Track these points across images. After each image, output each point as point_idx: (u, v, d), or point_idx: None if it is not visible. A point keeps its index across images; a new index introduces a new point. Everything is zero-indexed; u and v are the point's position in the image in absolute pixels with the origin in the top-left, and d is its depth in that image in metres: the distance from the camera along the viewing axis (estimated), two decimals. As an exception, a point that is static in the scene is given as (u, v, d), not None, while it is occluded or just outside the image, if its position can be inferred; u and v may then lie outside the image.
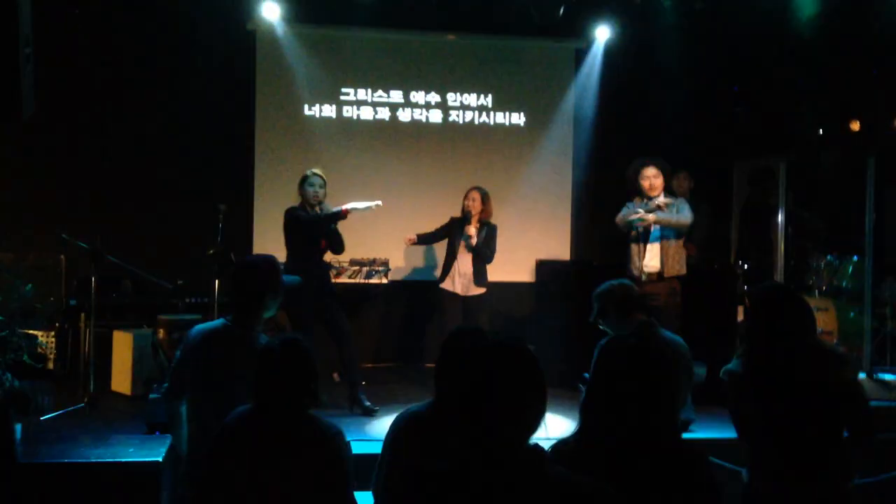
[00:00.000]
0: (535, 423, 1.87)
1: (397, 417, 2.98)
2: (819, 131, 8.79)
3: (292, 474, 2.67)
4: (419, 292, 8.16)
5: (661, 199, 6.35)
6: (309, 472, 2.68)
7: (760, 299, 3.24)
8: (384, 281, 7.62)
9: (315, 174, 6.33)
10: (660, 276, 6.34)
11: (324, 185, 6.33)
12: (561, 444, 2.31)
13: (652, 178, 6.39)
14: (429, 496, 1.83)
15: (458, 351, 2.86)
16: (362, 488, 2.90)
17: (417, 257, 8.46)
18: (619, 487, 1.98)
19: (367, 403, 6.19)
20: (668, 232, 6.35)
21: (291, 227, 6.24)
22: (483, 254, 6.92)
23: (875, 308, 7.44)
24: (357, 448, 3.45)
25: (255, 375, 2.78)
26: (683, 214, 6.32)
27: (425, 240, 7.18)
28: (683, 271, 6.40)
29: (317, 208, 6.30)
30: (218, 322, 3.52)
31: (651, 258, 6.37)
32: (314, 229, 6.23)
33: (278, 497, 2.67)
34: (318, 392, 2.83)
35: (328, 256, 6.62)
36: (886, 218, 7.73)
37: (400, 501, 1.89)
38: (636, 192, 6.49)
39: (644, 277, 6.35)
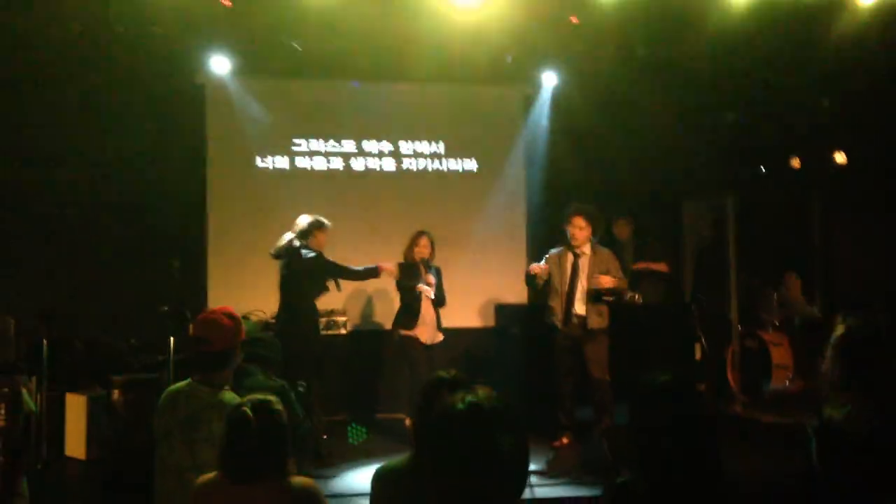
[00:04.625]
0: (513, 486, 1.81)
1: (375, 474, 2.93)
2: (761, 169, 9.03)
3: None
4: (376, 341, 8.11)
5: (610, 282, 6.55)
6: None
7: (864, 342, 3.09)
8: (343, 332, 7.53)
9: (328, 224, 6.69)
10: (584, 325, 6.52)
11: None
12: (630, 485, 2.39)
13: (578, 229, 6.57)
14: None
15: (438, 405, 2.81)
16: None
17: (373, 306, 8.42)
18: None
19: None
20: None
21: (321, 272, 6.49)
22: (441, 299, 6.93)
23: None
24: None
25: (225, 441, 2.67)
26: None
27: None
28: (605, 324, 6.58)
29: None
30: (184, 382, 3.42)
31: (579, 306, 6.55)
32: (345, 277, 6.73)
33: None
34: (288, 457, 2.74)
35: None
36: (837, 253, 7.91)
37: None
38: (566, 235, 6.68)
39: (575, 320, 6.51)
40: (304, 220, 6.58)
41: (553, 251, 6.76)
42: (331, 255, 6.70)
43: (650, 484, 2.35)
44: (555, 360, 6.65)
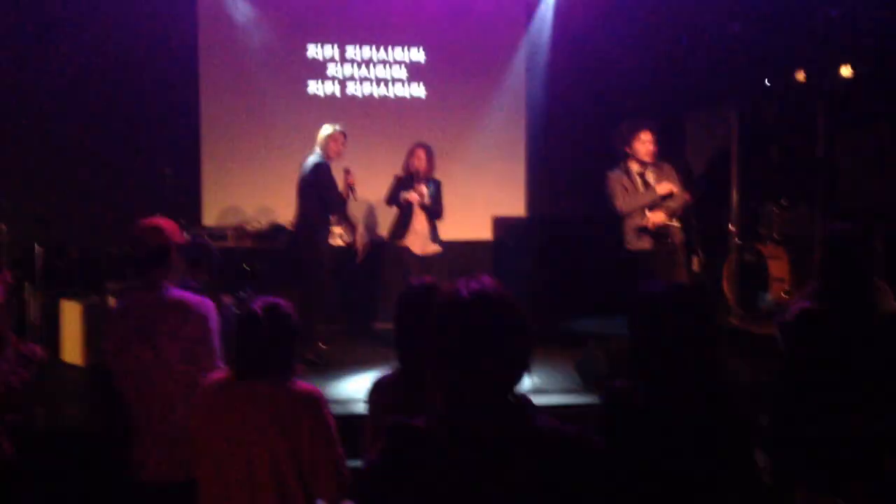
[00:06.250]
0: (518, 371, 1.77)
1: (370, 389, 2.91)
2: (766, 82, 8.86)
3: (278, 440, 2.61)
4: (374, 252, 8.07)
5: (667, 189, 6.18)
6: (296, 436, 2.63)
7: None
8: (341, 243, 7.47)
9: (339, 129, 6.49)
10: (661, 235, 6.17)
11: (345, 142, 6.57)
12: (627, 391, 2.39)
13: (649, 143, 6.15)
14: (414, 460, 1.72)
15: (420, 307, 2.72)
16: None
17: (374, 218, 8.35)
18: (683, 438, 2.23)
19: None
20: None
21: (320, 186, 6.37)
22: (436, 211, 6.88)
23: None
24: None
25: (235, 341, 2.70)
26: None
27: (392, 201, 7.04)
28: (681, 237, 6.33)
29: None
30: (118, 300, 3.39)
31: (655, 215, 6.19)
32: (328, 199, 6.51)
33: (266, 463, 2.61)
34: (296, 357, 2.79)
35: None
36: (840, 164, 7.80)
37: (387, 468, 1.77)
38: (622, 153, 6.25)
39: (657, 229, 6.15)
40: (321, 131, 6.54)
41: (613, 173, 6.25)
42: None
43: (647, 390, 2.33)
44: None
